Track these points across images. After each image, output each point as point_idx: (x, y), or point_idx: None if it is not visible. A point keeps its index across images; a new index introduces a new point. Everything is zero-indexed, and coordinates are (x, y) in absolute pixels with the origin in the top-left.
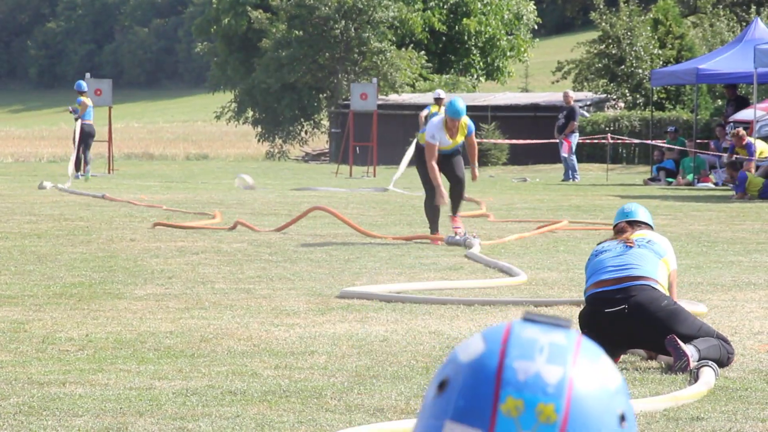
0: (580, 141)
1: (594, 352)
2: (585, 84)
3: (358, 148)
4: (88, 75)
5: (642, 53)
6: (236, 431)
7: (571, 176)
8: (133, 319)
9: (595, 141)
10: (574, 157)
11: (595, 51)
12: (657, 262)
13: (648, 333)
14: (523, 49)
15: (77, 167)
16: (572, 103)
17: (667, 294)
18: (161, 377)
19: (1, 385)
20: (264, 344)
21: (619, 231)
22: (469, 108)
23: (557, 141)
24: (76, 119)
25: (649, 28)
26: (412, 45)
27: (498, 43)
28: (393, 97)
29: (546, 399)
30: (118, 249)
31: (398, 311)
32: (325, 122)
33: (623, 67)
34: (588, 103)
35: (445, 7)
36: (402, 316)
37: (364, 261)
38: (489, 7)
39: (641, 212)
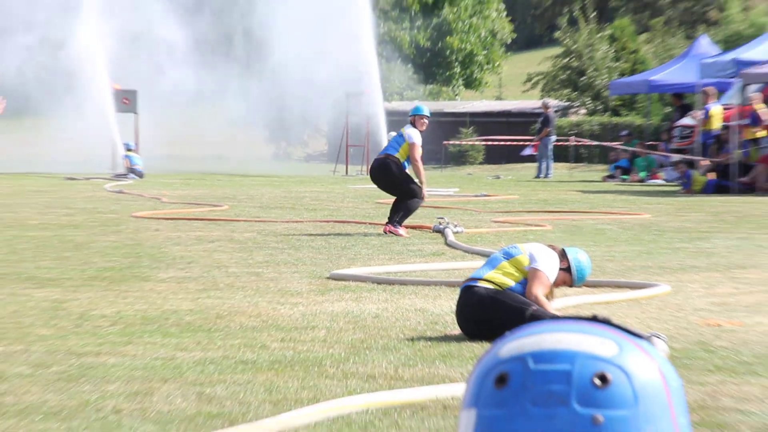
0: (568, 140)
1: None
2: (551, 93)
3: (351, 149)
4: (116, 85)
5: (600, 66)
6: (248, 395)
7: (543, 174)
8: (158, 298)
9: (560, 143)
10: (551, 159)
11: (560, 64)
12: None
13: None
14: (497, 63)
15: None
16: (548, 111)
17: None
18: (182, 349)
19: (45, 355)
20: (271, 320)
21: None
22: (450, 114)
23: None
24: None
25: (606, 43)
26: (400, 59)
27: (475, 58)
28: (384, 105)
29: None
30: (144, 238)
31: (388, 291)
32: (324, 127)
33: (584, 78)
34: (555, 109)
35: (430, 26)
36: (392, 296)
37: (358, 248)
38: (469, 27)
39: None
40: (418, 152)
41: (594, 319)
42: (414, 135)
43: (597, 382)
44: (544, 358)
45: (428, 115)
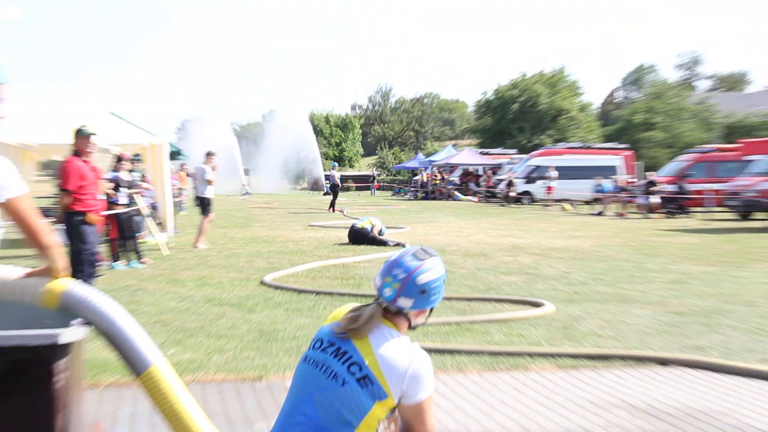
0: (381, 183)
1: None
2: (377, 169)
3: (316, 185)
4: (245, 167)
5: (391, 162)
6: (282, 261)
7: (372, 194)
8: (256, 232)
9: (382, 184)
10: (374, 188)
11: (378, 160)
12: (363, 220)
13: None
14: (358, 159)
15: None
16: (374, 172)
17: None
18: (264, 248)
19: (221, 248)
20: (290, 238)
21: None
22: (344, 176)
23: (369, 185)
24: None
25: (391, 155)
26: (329, 158)
27: (354, 158)
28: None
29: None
30: (252, 213)
31: (327, 230)
32: (306, 176)
33: (385, 164)
34: (379, 173)
35: (339, 146)
36: (328, 231)
37: (319, 216)
38: (350, 148)
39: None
40: (335, 177)
41: (398, 244)
42: (333, 171)
43: (419, 280)
44: (400, 267)
45: (335, 165)
